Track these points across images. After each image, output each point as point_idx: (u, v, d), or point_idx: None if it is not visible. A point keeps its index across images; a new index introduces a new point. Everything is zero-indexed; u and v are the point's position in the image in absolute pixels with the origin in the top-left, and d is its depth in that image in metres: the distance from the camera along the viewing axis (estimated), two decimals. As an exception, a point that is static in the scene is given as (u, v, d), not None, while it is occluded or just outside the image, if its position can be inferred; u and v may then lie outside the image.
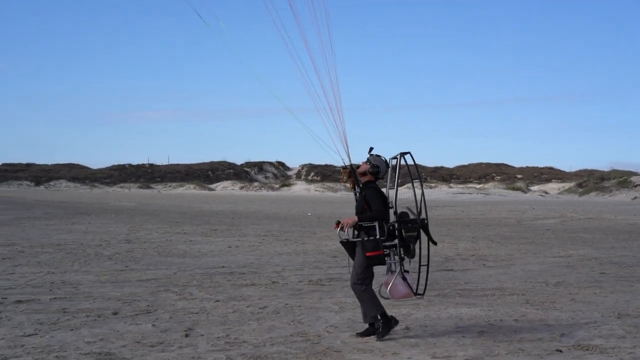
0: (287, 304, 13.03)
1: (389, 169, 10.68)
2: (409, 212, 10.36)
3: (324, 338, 10.30)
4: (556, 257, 21.25)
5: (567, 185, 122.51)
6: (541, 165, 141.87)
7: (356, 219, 10.16)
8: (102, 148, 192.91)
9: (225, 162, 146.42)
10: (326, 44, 10.30)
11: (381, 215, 10.12)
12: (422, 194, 10.19)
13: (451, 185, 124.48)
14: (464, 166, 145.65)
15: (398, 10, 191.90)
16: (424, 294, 10.50)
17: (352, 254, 10.43)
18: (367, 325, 10.33)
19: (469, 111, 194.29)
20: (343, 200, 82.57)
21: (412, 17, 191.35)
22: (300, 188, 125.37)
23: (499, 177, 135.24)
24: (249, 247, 23.31)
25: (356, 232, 10.29)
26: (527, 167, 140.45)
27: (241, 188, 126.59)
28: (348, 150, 10.79)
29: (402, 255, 10.19)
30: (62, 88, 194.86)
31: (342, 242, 10.49)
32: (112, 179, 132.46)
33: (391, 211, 10.33)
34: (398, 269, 10.19)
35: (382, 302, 10.37)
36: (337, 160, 10.94)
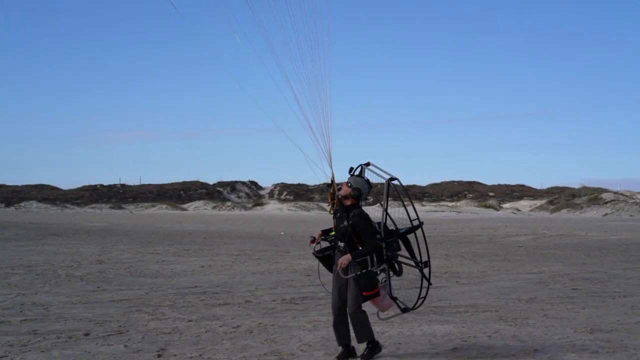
0: (260, 323, 12.97)
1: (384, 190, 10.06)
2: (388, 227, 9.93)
3: (298, 357, 10.26)
4: (528, 274, 21.34)
5: (538, 202, 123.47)
6: (513, 183, 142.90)
7: (350, 257, 9.62)
8: (73, 168, 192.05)
9: (197, 181, 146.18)
10: (324, 65, 10.05)
11: (376, 250, 9.63)
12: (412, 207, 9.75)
13: (424, 203, 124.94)
14: (436, 184, 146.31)
15: (363, 31, 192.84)
16: (415, 307, 10.11)
17: (327, 267, 10.38)
18: (364, 345, 10.05)
19: (441, 129, 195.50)
20: (316, 219, 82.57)
21: (378, 36, 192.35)
22: (273, 207, 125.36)
23: (471, 195, 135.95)
24: (221, 267, 23.20)
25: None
26: (499, 184, 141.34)
27: (214, 208, 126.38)
28: (332, 170, 10.46)
29: (391, 276, 9.86)
30: (32, 108, 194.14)
31: (316, 256, 10.37)
32: (83, 199, 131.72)
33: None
34: (386, 290, 9.80)
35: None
36: (323, 179, 10.60)
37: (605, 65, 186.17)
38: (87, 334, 11.84)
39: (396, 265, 9.84)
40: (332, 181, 10.22)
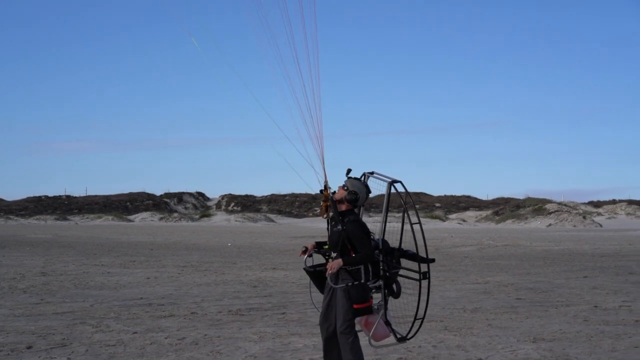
0: (206, 335, 12.92)
1: (385, 197, 9.25)
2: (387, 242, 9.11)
3: (244, 368, 10.24)
4: (473, 284, 21.55)
5: (484, 213, 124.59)
6: (459, 194, 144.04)
7: (341, 262, 8.66)
8: (17, 179, 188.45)
9: (144, 193, 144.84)
10: (313, 69, 9.10)
11: (370, 258, 8.74)
12: (419, 224, 8.81)
13: (371, 214, 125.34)
14: (382, 195, 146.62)
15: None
16: (408, 336, 9.29)
17: (319, 286, 9.29)
18: None
19: (388, 139, 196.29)
20: (263, 230, 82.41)
21: (347, 42, 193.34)
22: (220, 218, 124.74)
23: (417, 206, 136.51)
24: (167, 278, 23.06)
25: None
26: (445, 195, 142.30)
27: (160, 219, 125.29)
28: (325, 174, 9.18)
29: (387, 297, 8.96)
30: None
31: (307, 271, 9.34)
32: (27, 210, 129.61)
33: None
34: (381, 312, 8.90)
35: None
36: (316, 187, 9.23)
37: (549, 79, 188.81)
38: (29, 347, 11.69)
39: (394, 285, 8.96)
40: (326, 184, 9.13)
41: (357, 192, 8.94)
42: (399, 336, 9.20)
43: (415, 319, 9.04)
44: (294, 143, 9.18)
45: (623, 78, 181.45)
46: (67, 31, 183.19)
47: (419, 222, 8.73)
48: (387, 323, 9.00)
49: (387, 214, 9.08)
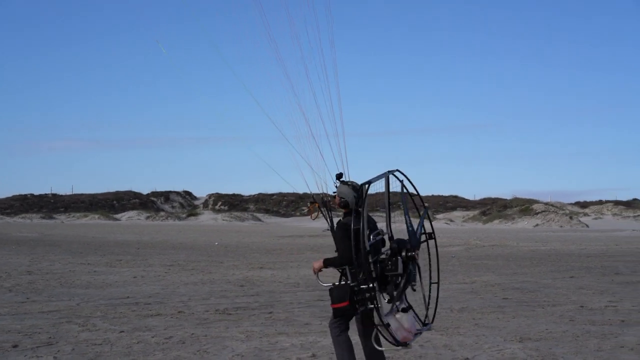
0: (193, 334, 12.89)
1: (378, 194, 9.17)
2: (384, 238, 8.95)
3: (230, 367, 10.22)
4: (460, 284, 21.59)
5: (471, 213, 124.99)
6: (446, 194, 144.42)
7: (321, 263, 8.80)
8: (3, 178, 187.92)
9: (130, 191, 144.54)
10: (329, 67, 9.10)
11: (345, 259, 8.53)
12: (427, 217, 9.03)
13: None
14: (370, 195, 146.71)
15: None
16: (431, 322, 9.28)
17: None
18: None
19: (376, 140, 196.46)
20: (251, 229, 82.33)
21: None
22: (207, 217, 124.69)
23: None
24: (154, 277, 23.00)
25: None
26: (433, 195, 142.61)
27: (147, 218, 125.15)
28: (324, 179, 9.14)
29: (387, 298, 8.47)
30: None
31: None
32: (13, 209, 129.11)
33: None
34: (386, 314, 8.41)
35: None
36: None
37: (536, 79, 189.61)
38: (15, 346, 11.63)
39: (394, 288, 8.49)
40: (313, 200, 9.07)
41: (344, 197, 8.96)
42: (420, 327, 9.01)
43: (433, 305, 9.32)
44: (293, 144, 9.12)
45: (610, 79, 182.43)
46: (53, 32, 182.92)
47: (433, 234, 9.33)
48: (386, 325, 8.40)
49: (389, 209, 9.08)
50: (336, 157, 9.13)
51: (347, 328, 8.71)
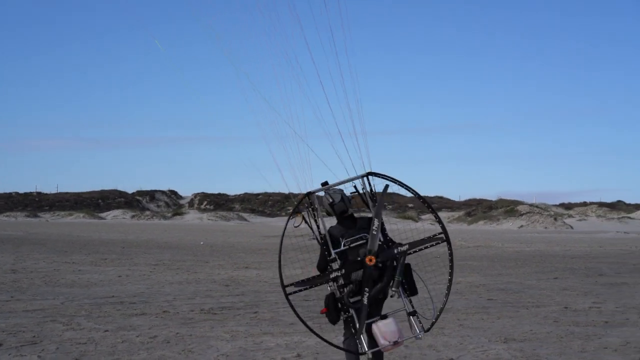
0: (177, 333, 12.88)
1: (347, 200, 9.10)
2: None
3: (215, 367, 10.22)
4: (445, 284, 21.59)
5: (456, 214, 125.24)
6: (431, 195, 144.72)
7: None
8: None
9: (116, 190, 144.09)
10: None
11: (318, 268, 8.61)
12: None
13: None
14: (354, 195, 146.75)
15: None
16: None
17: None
18: None
19: (360, 140, 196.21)
20: (236, 229, 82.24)
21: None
22: (192, 217, 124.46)
23: (390, 206, 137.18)
24: (139, 276, 22.96)
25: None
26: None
27: (132, 217, 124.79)
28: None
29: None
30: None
31: None
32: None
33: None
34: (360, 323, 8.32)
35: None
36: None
37: (521, 80, 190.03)
38: (-1, 345, 11.60)
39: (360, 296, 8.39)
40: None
41: (327, 206, 8.88)
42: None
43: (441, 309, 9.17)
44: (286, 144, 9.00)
45: (596, 80, 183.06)
46: (37, 30, 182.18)
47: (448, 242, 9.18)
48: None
49: (379, 208, 8.92)
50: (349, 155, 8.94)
51: (351, 335, 8.58)
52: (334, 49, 8.91)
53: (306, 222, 8.74)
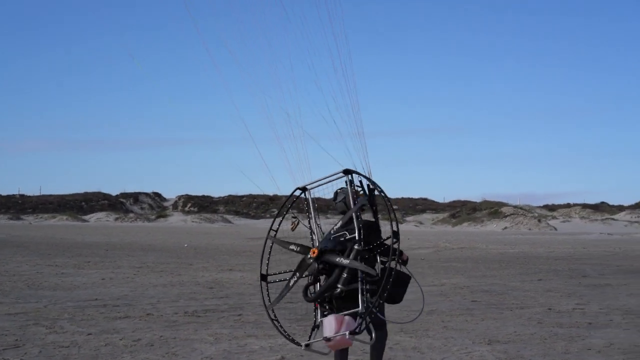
0: (161, 336, 12.82)
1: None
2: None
3: (199, 370, 10.17)
4: (430, 286, 21.66)
5: (441, 215, 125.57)
6: (416, 197, 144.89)
7: None
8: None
9: (99, 192, 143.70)
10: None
11: None
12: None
13: (328, 216, 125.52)
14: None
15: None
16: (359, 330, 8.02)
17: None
18: None
19: (345, 141, 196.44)
20: (220, 231, 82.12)
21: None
22: (177, 219, 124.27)
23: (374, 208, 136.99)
24: (123, 279, 22.86)
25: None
26: (402, 198, 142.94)
27: (116, 219, 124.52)
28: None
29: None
30: None
31: None
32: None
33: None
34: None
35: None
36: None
37: (505, 81, 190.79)
38: (-19, 349, 11.51)
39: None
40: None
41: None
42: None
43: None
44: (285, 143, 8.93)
45: (580, 83, 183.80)
46: (21, 33, 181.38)
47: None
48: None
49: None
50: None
51: None
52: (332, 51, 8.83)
53: (305, 225, 8.73)
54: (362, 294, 7.94)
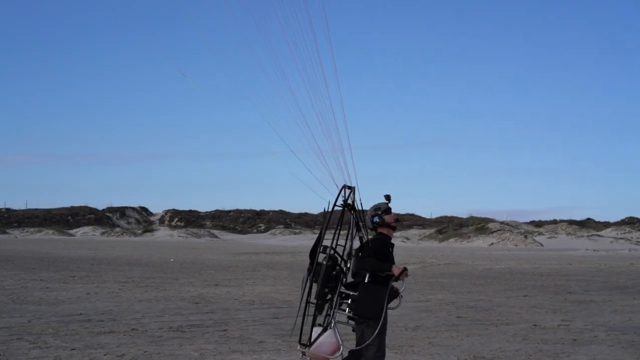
0: (146, 352, 12.78)
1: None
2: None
3: (183, 385, 10.14)
4: (415, 302, 21.67)
5: (427, 231, 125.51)
6: (403, 212, 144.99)
7: None
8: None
9: (86, 207, 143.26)
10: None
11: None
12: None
13: (315, 231, 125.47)
14: (326, 212, 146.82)
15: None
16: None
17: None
18: None
19: (329, 157, 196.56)
20: (207, 246, 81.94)
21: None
22: (163, 234, 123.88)
23: (361, 224, 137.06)
24: (108, 294, 22.78)
25: None
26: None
27: (102, 233, 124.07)
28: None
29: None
30: None
31: None
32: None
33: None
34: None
35: None
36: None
37: (492, 97, 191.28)
38: (-37, 363, 11.46)
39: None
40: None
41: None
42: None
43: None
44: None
45: (566, 99, 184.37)
46: (6, 46, 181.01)
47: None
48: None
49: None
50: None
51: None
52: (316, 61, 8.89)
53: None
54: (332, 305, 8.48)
